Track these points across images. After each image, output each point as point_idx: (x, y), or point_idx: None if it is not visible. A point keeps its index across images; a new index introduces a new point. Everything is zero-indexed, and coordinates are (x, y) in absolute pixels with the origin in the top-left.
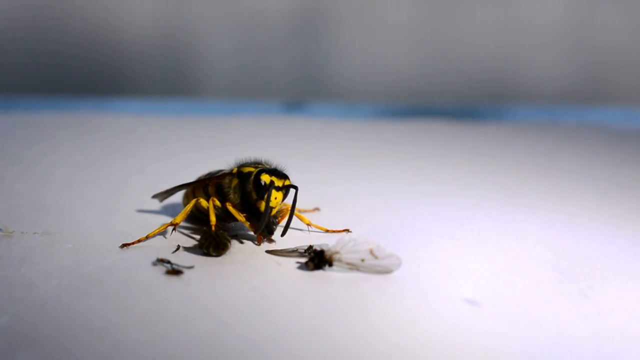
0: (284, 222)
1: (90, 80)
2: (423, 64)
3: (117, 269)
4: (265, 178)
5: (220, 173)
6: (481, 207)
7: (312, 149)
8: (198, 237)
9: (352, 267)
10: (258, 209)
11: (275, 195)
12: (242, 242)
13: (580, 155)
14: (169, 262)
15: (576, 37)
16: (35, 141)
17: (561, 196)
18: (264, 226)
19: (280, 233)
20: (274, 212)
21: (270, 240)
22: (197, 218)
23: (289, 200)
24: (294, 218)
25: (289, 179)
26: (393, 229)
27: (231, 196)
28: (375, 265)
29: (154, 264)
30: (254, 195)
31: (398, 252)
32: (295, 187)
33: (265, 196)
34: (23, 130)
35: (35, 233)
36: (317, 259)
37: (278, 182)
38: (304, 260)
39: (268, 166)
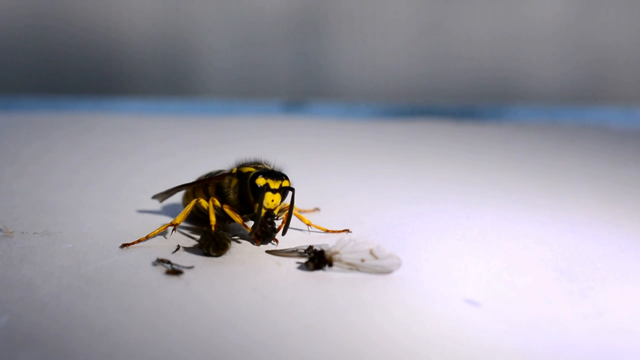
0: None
1: (90, 80)
2: (423, 64)
3: (117, 269)
4: (260, 181)
5: (220, 173)
6: (481, 206)
7: (312, 149)
8: (198, 237)
9: (352, 267)
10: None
11: (272, 198)
12: (241, 243)
13: (580, 155)
14: (169, 262)
15: (576, 37)
16: (35, 141)
17: (561, 196)
18: (257, 228)
19: (281, 233)
20: (275, 212)
21: (276, 241)
22: (197, 218)
23: (289, 200)
24: (294, 218)
25: (287, 179)
26: (393, 229)
27: (231, 196)
28: (375, 266)
29: (154, 264)
30: (251, 198)
31: (398, 252)
32: (292, 189)
33: (260, 199)
34: (23, 130)
35: (35, 233)
36: (317, 259)
37: (274, 185)
38: (304, 260)
39: (268, 166)
